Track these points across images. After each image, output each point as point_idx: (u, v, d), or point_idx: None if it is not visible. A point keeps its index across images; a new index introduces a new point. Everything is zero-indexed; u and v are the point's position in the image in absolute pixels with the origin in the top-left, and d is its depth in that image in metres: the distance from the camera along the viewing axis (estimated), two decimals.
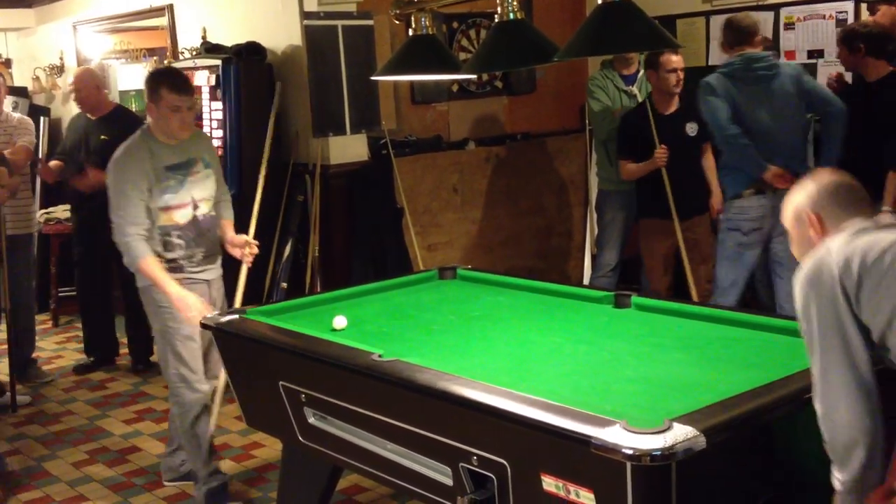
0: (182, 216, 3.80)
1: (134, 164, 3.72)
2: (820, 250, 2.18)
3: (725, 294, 4.76)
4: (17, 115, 5.69)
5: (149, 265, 3.68)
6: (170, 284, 3.68)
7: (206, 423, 3.87)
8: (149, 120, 3.85)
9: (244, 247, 3.97)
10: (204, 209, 3.89)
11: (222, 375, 3.91)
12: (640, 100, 5.42)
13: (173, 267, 3.77)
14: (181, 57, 6.15)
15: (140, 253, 3.67)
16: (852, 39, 4.70)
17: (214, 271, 3.96)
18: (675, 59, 5.01)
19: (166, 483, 4.14)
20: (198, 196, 3.85)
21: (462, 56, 6.02)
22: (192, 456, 3.89)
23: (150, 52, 7.58)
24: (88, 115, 5.53)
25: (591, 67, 6.29)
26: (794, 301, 2.21)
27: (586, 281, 6.23)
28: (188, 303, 3.65)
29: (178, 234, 3.79)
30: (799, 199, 2.32)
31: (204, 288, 3.88)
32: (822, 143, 4.66)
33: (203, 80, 5.48)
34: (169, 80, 3.78)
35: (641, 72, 5.54)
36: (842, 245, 2.16)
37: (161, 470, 4.21)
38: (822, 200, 2.27)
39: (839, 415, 2.10)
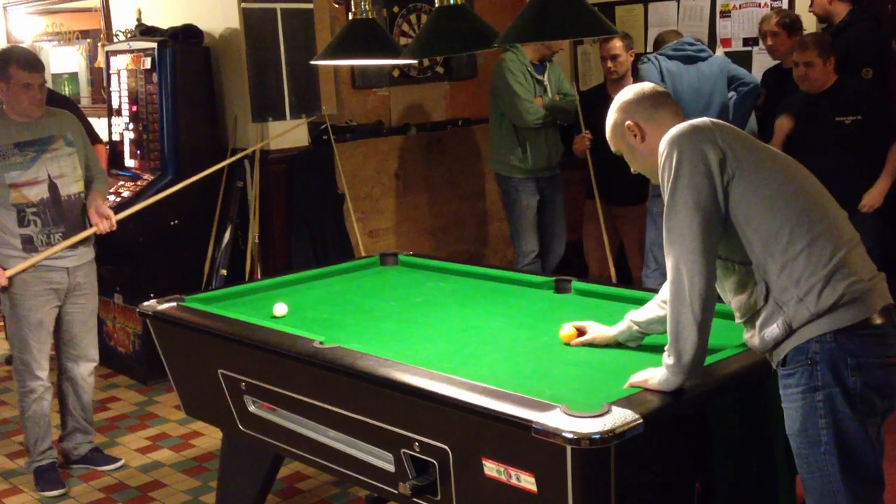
0: (34, 193, 3.81)
1: None
2: (693, 121, 2.24)
3: (648, 255, 5.02)
4: None
5: None
6: None
7: (46, 405, 3.98)
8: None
9: (107, 220, 3.97)
10: (67, 189, 3.90)
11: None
12: (549, 92, 5.37)
13: (27, 245, 3.80)
14: (115, 39, 6.02)
15: None
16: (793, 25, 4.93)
17: (77, 258, 3.94)
18: (608, 46, 5.11)
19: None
20: (55, 173, 3.86)
21: (403, 41, 5.99)
22: (27, 433, 4.00)
23: (84, 34, 7.40)
24: None
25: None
26: (659, 158, 2.24)
27: None
28: None
29: (34, 212, 3.81)
30: (611, 119, 2.42)
31: (62, 275, 3.91)
32: (731, 114, 4.94)
33: (138, 63, 5.37)
34: (19, 59, 3.80)
35: (549, 67, 5.41)
36: (709, 124, 2.23)
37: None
38: (632, 108, 2.37)
39: (699, 277, 2.15)
